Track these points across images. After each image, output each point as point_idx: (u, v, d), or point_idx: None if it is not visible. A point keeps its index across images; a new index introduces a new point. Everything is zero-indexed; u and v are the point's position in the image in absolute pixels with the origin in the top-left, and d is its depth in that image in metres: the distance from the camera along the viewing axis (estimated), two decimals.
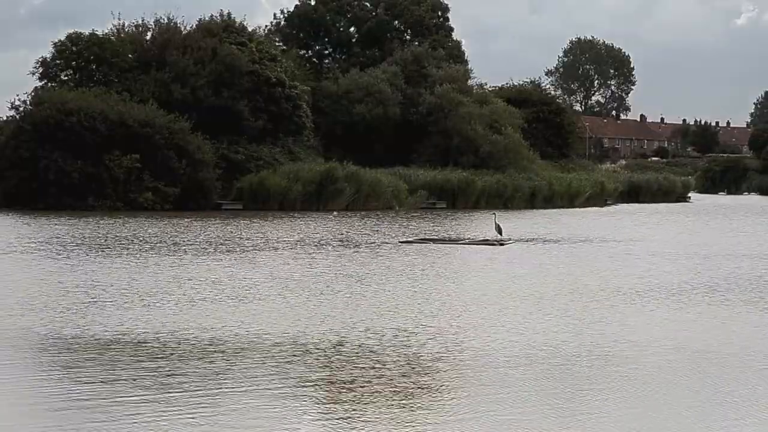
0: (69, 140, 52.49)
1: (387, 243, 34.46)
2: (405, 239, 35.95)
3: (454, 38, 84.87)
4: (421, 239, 35.91)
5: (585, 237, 39.24)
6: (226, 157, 57.62)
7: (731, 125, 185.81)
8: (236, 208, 54.95)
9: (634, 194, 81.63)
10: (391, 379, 12.97)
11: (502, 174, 67.57)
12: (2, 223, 42.69)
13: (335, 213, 51.92)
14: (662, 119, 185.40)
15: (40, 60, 61.23)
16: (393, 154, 69.23)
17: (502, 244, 34.13)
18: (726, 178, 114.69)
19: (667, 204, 77.98)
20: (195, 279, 23.04)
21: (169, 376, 13.02)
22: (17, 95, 57.55)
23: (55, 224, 41.07)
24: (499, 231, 35.44)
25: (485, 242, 34.75)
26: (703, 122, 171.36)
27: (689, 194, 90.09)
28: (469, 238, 36.66)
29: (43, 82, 60.48)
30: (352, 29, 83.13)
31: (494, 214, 39.88)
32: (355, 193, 57.73)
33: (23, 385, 12.70)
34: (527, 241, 36.73)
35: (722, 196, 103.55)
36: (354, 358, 14.25)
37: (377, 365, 13.76)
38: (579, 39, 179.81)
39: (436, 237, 37.32)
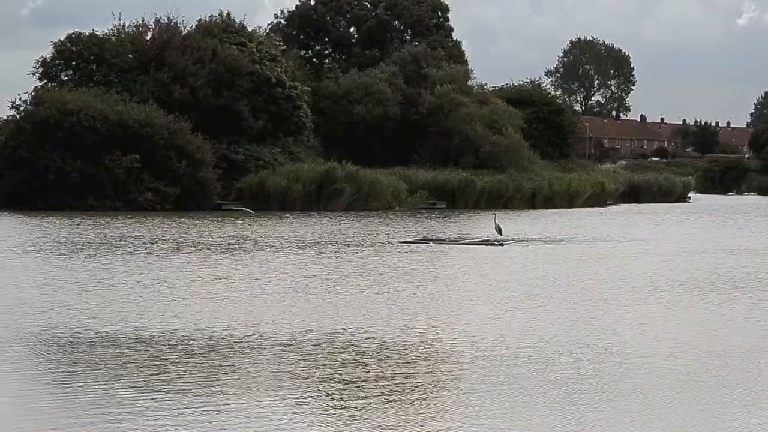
0: (69, 140, 52.45)
1: (387, 243, 34.45)
2: (405, 239, 35.94)
3: (454, 38, 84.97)
4: (422, 239, 35.89)
5: (586, 237, 39.23)
6: (226, 157, 57.60)
7: (731, 125, 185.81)
8: (236, 208, 54.86)
9: (634, 194, 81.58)
10: (398, 378, 12.95)
11: (502, 174, 67.57)
12: (18, 223, 42.66)
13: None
14: (662, 119, 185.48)
15: (40, 60, 61.22)
16: (393, 154, 69.23)
17: (502, 245, 34.11)
18: (726, 178, 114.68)
19: (668, 204, 77.99)
20: (207, 277, 23.14)
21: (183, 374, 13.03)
22: (18, 95, 57.53)
23: (78, 224, 41.08)
24: (499, 231, 35.41)
25: (485, 242, 34.73)
26: (703, 122, 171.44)
27: (689, 194, 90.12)
28: (469, 239, 36.65)
29: (43, 82, 60.45)
30: (352, 29, 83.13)
31: (494, 214, 39.86)
32: (355, 193, 57.70)
33: (54, 383, 12.74)
34: (528, 241, 36.72)
35: (731, 196, 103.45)
36: (357, 357, 14.23)
37: (381, 364, 13.74)
38: (579, 39, 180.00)
39: (436, 237, 37.30)
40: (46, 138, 52.64)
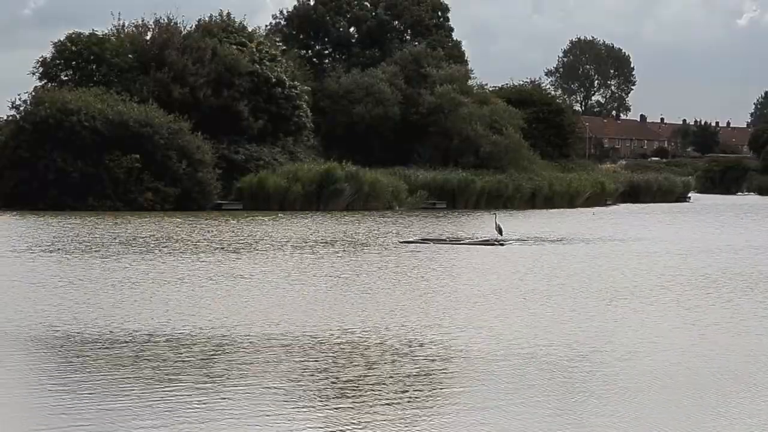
0: (69, 140, 52.43)
1: (387, 243, 34.43)
2: (405, 239, 35.91)
3: (454, 38, 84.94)
4: (422, 239, 35.86)
5: (587, 237, 39.19)
6: (226, 157, 57.58)
7: (731, 125, 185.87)
8: (236, 208, 54.89)
9: (634, 194, 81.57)
10: (398, 378, 12.92)
11: (502, 174, 67.56)
12: (29, 223, 42.58)
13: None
14: (662, 119, 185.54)
15: (40, 60, 61.22)
16: (393, 154, 69.24)
17: (502, 245, 34.09)
18: (726, 178, 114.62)
19: (668, 204, 78.02)
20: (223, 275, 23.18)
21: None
22: (18, 95, 57.51)
23: (88, 224, 41.10)
24: (500, 231, 35.38)
25: (486, 242, 34.71)
26: (703, 122, 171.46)
27: (689, 194, 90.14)
28: (469, 239, 36.62)
29: (43, 82, 60.45)
30: (351, 29, 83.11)
31: (494, 214, 39.86)
32: (355, 193, 57.67)
33: (72, 382, 12.73)
34: (528, 241, 36.69)
35: (740, 195, 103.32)
36: (359, 357, 14.21)
37: (382, 364, 13.72)
38: (579, 39, 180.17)
39: (436, 237, 37.28)
40: (46, 138, 52.62)
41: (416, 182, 62.70)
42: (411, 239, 35.89)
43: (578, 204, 69.67)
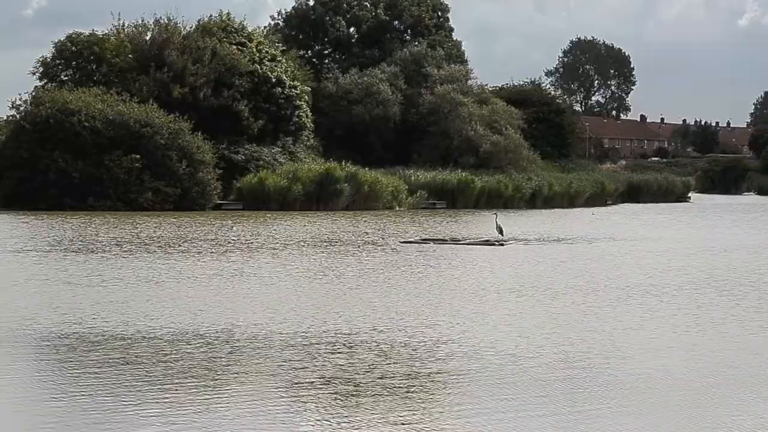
0: (69, 140, 52.43)
1: (388, 243, 34.39)
2: (406, 239, 35.87)
3: (454, 38, 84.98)
4: (423, 239, 35.83)
5: (588, 237, 39.14)
6: (226, 157, 57.58)
7: (731, 125, 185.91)
8: (236, 208, 54.88)
9: (634, 194, 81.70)
10: (397, 379, 12.89)
11: (502, 174, 67.58)
12: (37, 223, 42.52)
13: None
14: (662, 119, 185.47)
15: (41, 60, 61.26)
16: (393, 154, 69.29)
17: (502, 245, 34.05)
18: (726, 178, 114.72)
19: (668, 204, 78.05)
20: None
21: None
22: (18, 95, 57.58)
23: (99, 224, 41.08)
24: (500, 231, 35.34)
25: (487, 242, 34.67)
26: (703, 122, 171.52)
27: (689, 194, 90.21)
28: (470, 239, 36.58)
29: (43, 82, 60.47)
30: (351, 29, 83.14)
31: (495, 214, 39.83)
32: (354, 193, 57.68)
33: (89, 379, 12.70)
34: (530, 241, 36.66)
35: (741, 195, 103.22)
36: (359, 357, 14.18)
37: (382, 365, 13.68)
38: (579, 39, 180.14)
39: (437, 237, 37.25)
40: (46, 138, 52.62)
41: (416, 182, 62.71)
42: (412, 239, 35.86)
43: (578, 204, 69.67)
